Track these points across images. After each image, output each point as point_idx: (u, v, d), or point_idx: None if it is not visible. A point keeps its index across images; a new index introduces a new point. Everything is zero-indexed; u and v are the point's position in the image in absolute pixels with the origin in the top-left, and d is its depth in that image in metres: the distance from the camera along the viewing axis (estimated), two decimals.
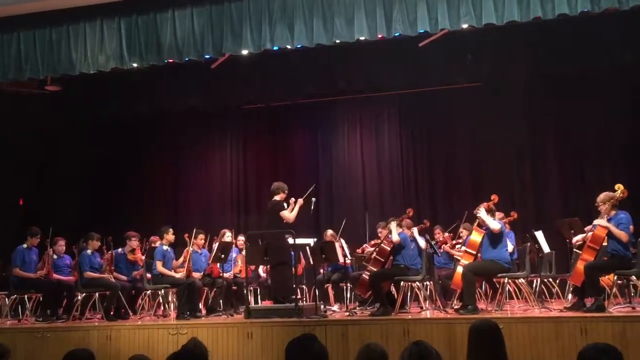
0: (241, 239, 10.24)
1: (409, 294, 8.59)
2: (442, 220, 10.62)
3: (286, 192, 8.59)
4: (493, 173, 11.54)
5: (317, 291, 8.56)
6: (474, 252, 8.04)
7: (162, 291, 9.04)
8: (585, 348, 2.95)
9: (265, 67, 10.71)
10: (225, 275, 9.09)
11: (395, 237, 8.08)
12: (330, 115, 12.80)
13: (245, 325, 7.51)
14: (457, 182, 11.88)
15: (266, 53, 8.60)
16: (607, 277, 7.54)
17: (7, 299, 9.08)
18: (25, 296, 9.09)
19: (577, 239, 7.97)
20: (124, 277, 9.19)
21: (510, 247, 8.38)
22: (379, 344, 3.21)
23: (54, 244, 9.28)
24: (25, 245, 9.08)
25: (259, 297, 10.20)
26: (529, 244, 8.62)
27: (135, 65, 8.28)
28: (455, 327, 6.82)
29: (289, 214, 8.30)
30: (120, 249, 9.43)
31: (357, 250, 9.74)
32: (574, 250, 8.33)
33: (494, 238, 7.73)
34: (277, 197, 8.53)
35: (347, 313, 8.30)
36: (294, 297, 8.08)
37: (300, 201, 8.46)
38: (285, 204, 8.44)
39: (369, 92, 11.99)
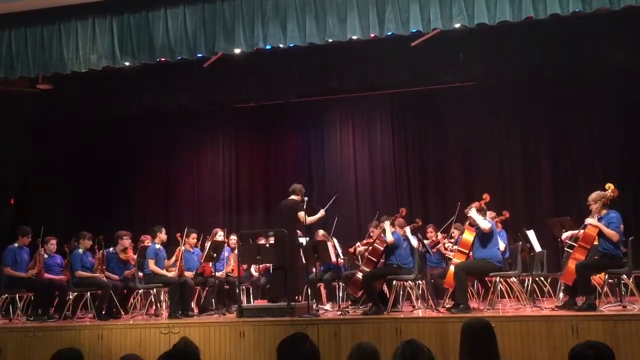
0: (233, 238, 10.23)
1: (401, 293, 8.60)
2: (435, 219, 10.63)
3: (303, 195, 8.65)
4: (485, 172, 11.57)
5: (309, 290, 8.56)
6: (466, 252, 8.07)
7: (154, 290, 9.03)
8: (577, 346, 2.96)
9: (258, 66, 10.69)
10: (218, 274, 9.09)
11: (389, 237, 8.09)
12: (322, 115, 12.79)
13: (238, 324, 7.50)
14: (450, 182, 11.89)
15: (259, 52, 8.60)
16: (598, 276, 7.57)
17: None
18: (17, 295, 9.05)
19: (566, 235, 8.00)
20: (115, 277, 9.16)
21: (502, 246, 8.40)
22: (371, 343, 3.22)
23: (45, 243, 9.24)
24: (16, 245, 9.04)
25: (251, 296, 10.19)
26: (520, 243, 8.64)
27: (127, 64, 8.26)
28: (447, 326, 6.84)
29: (308, 217, 8.37)
30: (112, 248, 9.41)
31: (349, 250, 9.75)
32: (565, 249, 8.37)
33: (485, 237, 7.75)
34: (294, 197, 8.56)
35: (340, 312, 8.32)
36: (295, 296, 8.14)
37: (323, 212, 8.54)
38: (302, 205, 8.48)
39: (362, 91, 11.98)
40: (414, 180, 12.16)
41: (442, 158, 12.04)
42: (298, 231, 8.58)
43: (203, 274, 9.23)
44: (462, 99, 11.60)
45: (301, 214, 8.35)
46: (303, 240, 9.09)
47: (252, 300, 10.07)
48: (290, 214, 8.42)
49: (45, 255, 9.19)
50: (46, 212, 11.87)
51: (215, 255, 8.77)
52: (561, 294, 8.40)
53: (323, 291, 9.92)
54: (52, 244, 9.32)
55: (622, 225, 7.28)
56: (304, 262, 8.55)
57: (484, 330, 3.49)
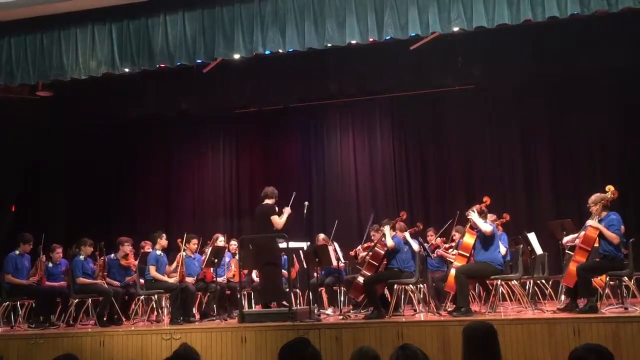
0: (234, 243, 10.22)
1: (402, 296, 8.60)
2: (435, 222, 10.61)
3: (277, 197, 8.61)
4: (485, 175, 11.58)
5: (310, 295, 8.56)
6: (467, 255, 8.07)
7: (156, 296, 9.02)
8: (576, 349, 2.96)
9: (257, 71, 10.68)
10: (219, 279, 9.08)
11: (389, 242, 8.08)
12: (322, 119, 12.80)
13: (239, 329, 7.50)
14: (450, 185, 11.90)
15: (258, 57, 8.60)
16: (599, 278, 7.58)
17: None
18: (18, 303, 9.05)
19: (567, 239, 8.00)
20: (117, 283, 9.17)
21: (502, 249, 8.40)
22: (372, 347, 3.22)
23: (50, 251, 9.24)
24: (17, 252, 9.04)
25: (252, 301, 10.18)
26: (521, 245, 8.63)
27: (126, 70, 8.26)
28: (449, 330, 6.82)
29: (279, 220, 8.32)
30: (112, 255, 9.41)
31: (350, 253, 9.74)
32: (566, 251, 8.36)
33: (486, 240, 7.75)
34: (268, 201, 8.54)
35: (341, 316, 8.30)
36: (285, 300, 8.10)
37: (288, 209, 8.47)
38: (276, 208, 8.46)
39: (361, 95, 11.98)
40: (414, 184, 12.16)
41: (442, 161, 12.04)
42: (285, 235, 8.42)
43: (204, 280, 9.23)
44: (461, 102, 11.61)
45: (274, 217, 8.30)
46: (304, 244, 9.09)
47: (253, 305, 10.06)
48: (266, 219, 8.37)
49: (49, 264, 9.19)
50: (47, 219, 11.87)
51: (216, 260, 8.76)
52: (562, 297, 8.39)
53: (324, 295, 9.93)
54: (58, 252, 9.32)
55: (623, 227, 7.27)
56: (305, 266, 8.57)
57: (486, 333, 3.49)
